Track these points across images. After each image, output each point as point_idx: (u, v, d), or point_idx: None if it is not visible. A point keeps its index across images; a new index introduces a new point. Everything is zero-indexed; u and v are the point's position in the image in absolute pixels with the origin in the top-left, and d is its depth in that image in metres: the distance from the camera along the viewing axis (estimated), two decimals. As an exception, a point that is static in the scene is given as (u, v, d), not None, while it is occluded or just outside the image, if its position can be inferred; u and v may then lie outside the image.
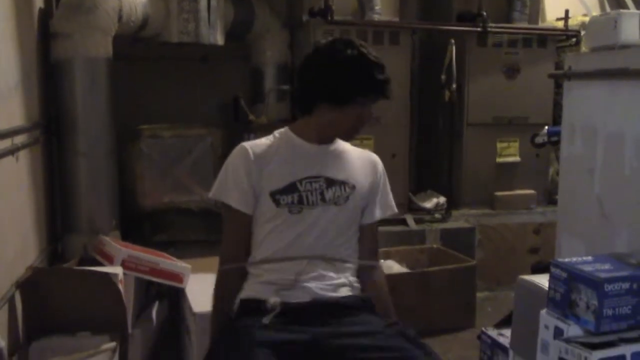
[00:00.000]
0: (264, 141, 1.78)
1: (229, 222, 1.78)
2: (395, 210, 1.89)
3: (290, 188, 1.71)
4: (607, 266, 1.40)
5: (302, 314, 1.64)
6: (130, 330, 2.45)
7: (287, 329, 1.59)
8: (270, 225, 1.72)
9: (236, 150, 1.77)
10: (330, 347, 1.57)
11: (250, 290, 1.72)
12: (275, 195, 1.70)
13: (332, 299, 1.69)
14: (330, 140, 1.79)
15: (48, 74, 2.95)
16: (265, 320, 1.61)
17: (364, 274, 1.81)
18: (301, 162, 1.74)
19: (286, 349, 1.54)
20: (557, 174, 2.19)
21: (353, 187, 1.77)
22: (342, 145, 1.83)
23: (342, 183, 1.75)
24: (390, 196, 1.88)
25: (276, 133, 1.81)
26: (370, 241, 1.86)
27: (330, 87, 1.69)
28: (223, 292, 1.76)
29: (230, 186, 1.73)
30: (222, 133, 3.42)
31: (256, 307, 1.65)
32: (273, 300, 1.65)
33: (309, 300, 1.66)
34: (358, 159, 1.83)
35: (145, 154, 3.30)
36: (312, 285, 1.68)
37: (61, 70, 2.92)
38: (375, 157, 1.88)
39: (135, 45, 3.45)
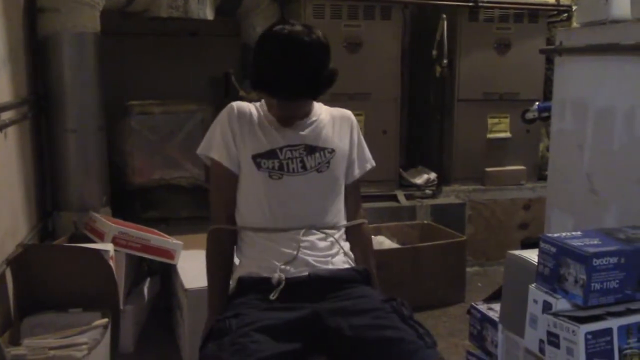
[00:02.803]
0: (251, 106, 1.81)
1: (215, 179, 1.79)
2: (373, 163, 1.89)
3: (271, 154, 1.72)
4: (595, 241, 1.41)
5: (301, 289, 1.64)
6: (121, 307, 2.46)
7: (287, 306, 1.60)
8: (252, 189, 1.73)
9: (225, 109, 1.79)
10: (328, 324, 1.58)
11: (248, 267, 1.71)
12: (256, 159, 1.72)
13: (329, 272, 1.69)
14: (287, 125, 1.77)
15: (35, 50, 2.91)
16: (272, 296, 1.62)
17: (351, 232, 1.83)
18: (280, 132, 1.75)
19: (286, 328, 1.55)
20: (547, 149, 2.19)
21: (332, 151, 1.77)
22: (316, 111, 1.82)
23: (322, 149, 1.76)
24: (367, 150, 1.88)
25: (264, 102, 1.81)
26: (354, 200, 1.87)
27: (257, 80, 1.69)
28: (216, 252, 1.76)
29: (217, 142, 1.75)
30: (212, 109, 3.39)
31: (253, 286, 1.66)
32: (277, 276, 1.65)
33: (307, 275, 1.67)
34: (332, 120, 1.83)
35: (135, 130, 3.28)
36: (310, 258, 1.69)
37: (48, 46, 2.89)
38: (348, 113, 1.88)
39: (123, 21, 3.41)
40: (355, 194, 1.88)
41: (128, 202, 3.37)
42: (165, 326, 2.80)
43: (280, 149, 1.73)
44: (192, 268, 2.49)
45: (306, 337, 1.56)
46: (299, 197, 1.72)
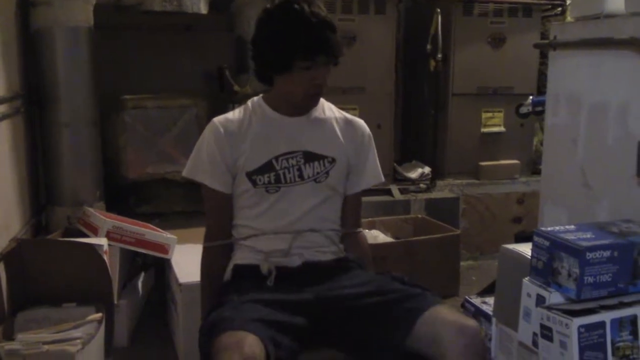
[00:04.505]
0: (236, 115, 1.73)
1: (208, 201, 1.74)
2: (382, 179, 1.85)
3: (267, 167, 1.67)
4: (588, 235, 1.42)
5: (296, 276, 1.65)
6: (116, 301, 2.46)
7: (286, 290, 1.60)
8: (250, 202, 1.70)
9: (208, 128, 1.72)
10: (331, 300, 1.58)
11: (242, 258, 1.71)
12: (251, 176, 1.67)
13: (323, 262, 1.70)
14: (303, 110, 1.73)
15: (28, 44, 2.90)
16: (269, 282, 1.62)
17: (348, 241, 1.81)
18: (276, 137, 1.69)
19: (289, 305, 1.55)
20: (541, 144, 2.20)
21: (333, 161, 1.72)
22: (325, 111, 1.77)
23: (322, 157, 1.71)
24: (377, 164, 1.83)
25: (249, 103, 1.75)
26: (354, 211, 1.84)
27: (267, 58, 1.63)
28: (210, 268, 1.75)
29: (205, 165, 1.69)
30: (206, 103, 3.39)
31: (251, 272, 1.65)
32: (266, 266, 1.65)
33: (300, 264, 1.67)
34: (340, 127, 1.77)
35: (128, 125, 3.27)
36: (303, 251, 1.69)
37: (41, 40, 2.88)
38: (360, 123, 1.81)
39: (117, 15, 3.39)
40: (356, 206, 1.84)
41: (122, 196, 3.36)
42: (159, 320, 2.80)
43: (277, 158, 1.68)
44: (186, 262, 2.49)
45: (310, 316, 1.56)
46: (295, 207, 1.69)
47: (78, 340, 1.98)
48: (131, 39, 3.67)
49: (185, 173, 1.75)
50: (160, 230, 2.75)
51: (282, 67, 1.61)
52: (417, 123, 4.15)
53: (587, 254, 1.35)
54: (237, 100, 3.36)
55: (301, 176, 1.69)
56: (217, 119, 1.73)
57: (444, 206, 3.71)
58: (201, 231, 1.79)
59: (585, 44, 1.88)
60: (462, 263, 3.43)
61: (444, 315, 1.48)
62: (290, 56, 1.58)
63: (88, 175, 3.02)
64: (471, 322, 1.48)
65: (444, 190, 3.83)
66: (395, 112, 3.86)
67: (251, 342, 1.33)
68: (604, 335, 1.31)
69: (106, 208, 3.08)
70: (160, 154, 3.35)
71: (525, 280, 1.50)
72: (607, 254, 1.37)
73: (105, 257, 2.33)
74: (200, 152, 1.71)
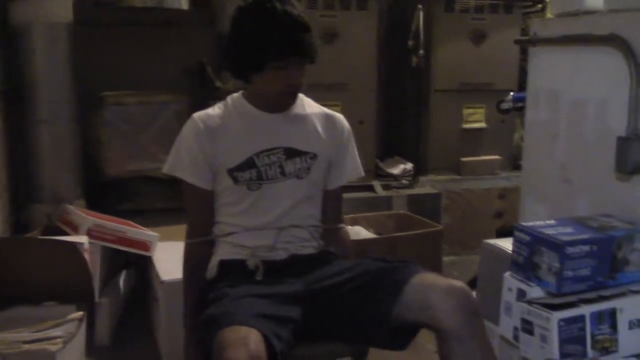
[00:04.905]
0: (216, 111, 1.72)
1: (189, 197, 1.73)
2: (362, 173, 1.85)
3: (248, 164, 1.66)
4: (568, 229, 1.44)
5: (284, 269, 1.65)
6: (97, 299, 2.44)
7: (276, 283, 1.60)
8: (231, 199, 1.69)
9: (188, 124, 1.70)
10: (320, 290, 1.59)
11: (226, 253, 1.70)
12: (232, 173, 1.66)
13: (308, 254, 1.70)
14: (282, 107, 1.72)
15: (7, 40, 2.86)
16: (258, 276, 1.61)
17: (330, 236, 1.81)
18: (257, 133, 1.68)
19: (282, 298, 1.55)
20: (522, 139, 2.21)
21: (314, 157, 1.72)
22: (304, 107, 1.76)
23: (303, 154, 1.70)
24: (357, 158, 1.83)
25: (229, 99, 1.74)
26: (336, 205, 1.84)
27: (241, 58, 1.62)
28: (192, 265, 1.74)
29: (185, 162, 1.68)
30: (187, 99, 3.36)
31: (238, 267, 1.65)
32: (253, 261, 1.65)
33: (287, 257, 1.67)
34: (321, 122, 1.76)
35: (109, 121, 3.24)
36: (288, 245, 1.69)
37: (21, 36, 2.85)
38: (340, 118, 1.81)
39: (97, 10, 3.37)
40: (337, 201, 1.84)
41: (103, 194, 3.33)
42: (142, 318, 2.78)
43: (258, 154, 1.67)
44: (168, 259, 2.48)
45: (303, 307, 1.56)
46: (277, 203, 1.69)
47: (59, 339, 1.96)
48: (112, 35, 3.64)
49: (165, 169, 1.73)
50: (142, 227, 2.73)
51: (255, 68, 1.61)
52: (400, 119, 4.16)
53: (567, 248, 1.36)
54: (218, 96, 3.34)
55: (283, 173, 1.69)
56: (197, 115, 1.71)
57: (426, 202, 3.73)
58: (183, 228, 1.78)
59: (564, 40, 1.89)
60: (444, 258, 3.44)
61: (430, 280, 1.48)
62: (263, 57, 1.58)
63: (68, 173, 3.00)
64: (459, 283, 1.48)
65: (426, 186, 3.84)
66: (378, 108, 3.86)
67: (256, 338, 1.33)
68: (583, 329, 1.33)
69: (87, 205, 3.05)
70: (141, 150, 3.32)
71: (506, 274, 1.51)
72: (586, 248, 1.38)
73: (86, 255, 2.31)
74: (180, 148, 1.70)
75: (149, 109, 3.34)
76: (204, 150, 1.66)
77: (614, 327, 1.36)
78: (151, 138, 3.32)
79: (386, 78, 4.11)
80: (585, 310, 1.33)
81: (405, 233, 3.25)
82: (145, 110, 3.33)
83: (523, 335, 1.39)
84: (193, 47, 3.82)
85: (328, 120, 1.79)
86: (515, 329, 1.44)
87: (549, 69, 1.98)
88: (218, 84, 3.53)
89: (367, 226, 3.35)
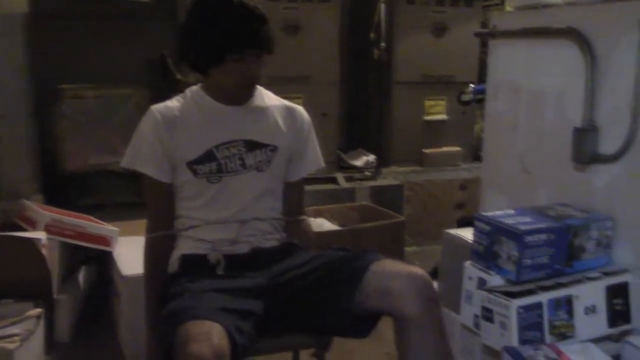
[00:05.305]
0: (175, 103, 1.70)
1: (149, 191, 1.71)
2: (323, 164, 1.85)
3: (207, 156, 1.65)
4: (527, 219, 1.46)
5: (246, 263, 1.64)
6: (55, 296, 2.40)
7: (238, 277, 1.60)
8: (192, 193, 1.67)
9: (146, 117, 1.68)
10: (282, 283, 1.60)
11: (188, 247, 1.69)
12: (192, 165, 1.64)
13: (270, 247, 1.70)
14: (242, 99, 1.71)
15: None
16: (219, 270, 1.60)
17: (292, 229, 1.82)
18: (216, 125, 1.67)
19: (244, 292, 1.55)
20: (482, 131, 2.24)
21: (275, 149, 1.71)
22: (264, 99, 1.75)
23: (263, 146, 1.70)
24: (317, 150, 1.83)
25: (188, 92, 1.73)
26: (297, 197, 1.84)
27: (197, 51, 1.61)
28: (153, 260, 1.72)
29: (144, 154, 1.66)
30: (148, 93, 3.32)
31: (200, 262, 1.64)
32: (215, 255, 1.63)
33: (249, 251, 1.67)
34: (281, 115, 1.76)
35: (67, 115, 3.18)
36: (250, 238, 1.69)
37: (-27, 27, 2.77)
38: (299, 110, 1.81)
39: (56, 1, 3.29)
40: (298, 193, 1.85)
41: (62, 188, 3.26)
42: (103, 315, 2.74)
43: (217, 147, 1.65)
44: (130, 254, 2.45)
45: (265, 301, 1.56)
46: (238, 196, 1.68)
47: (16, 337, 1.93)
48: (71, 27, 3.56)
49: (123, 163, 1.71)
50: (102, 222, 2.70)
51: (212, 61, 1.60)
52: (362, 111, 4.17)
53: (526, 237, 1.38)
54: (180, 89, 3.30)
55: (243, 165, 1.68)
56: (155, 107, 1.69)
57: (388, 193, 3.75)
58: (144, 223, 1.76)
59: (523, 33, 1.92)
60: (406, 249, 3.48)
61: (389, 267, 1.50)
62: (219, 50, 1.57)
63: (25, 168, 2.94)
64: (419, 270, 1.50)
65: (388, 177, 3.86)
66: (340, 100, 3.87)
67: (218, 333, 1.33)
68: (541, 315, 1.35)
69: (45, 201, 2.99)
70: (101, 144, 3.27)
71: (467, 263, 1.53)
72: (544, 237, 1.41)
73: (44, 251, 2.27)
74: (139, 141, 1.68)
75: (109, 102, 3.29)
76: (163, 143, 1.64)
77: (570, 313, 1.39)
78: (111, 132, 3.27)
79: (349, 70, 4.11)
80: (543, 297, 1.36)
81: (368, 224, 3.27)
82: (105, 103, 3.28)
83: (483, 323, 1.40)
84: (154, 39, 3.76)
85: (288, 112, 1.78)
86: (476, 316, 1.46)
87: (509, 62, 2.01)
88: (179, 76, 3.49)
89: (331, 218, 3.36)
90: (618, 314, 1.45)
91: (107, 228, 2.65)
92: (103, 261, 2.78)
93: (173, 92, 3.32)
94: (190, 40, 1.63)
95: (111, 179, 3.31)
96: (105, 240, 2.62)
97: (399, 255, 3.31)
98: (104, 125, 3.27)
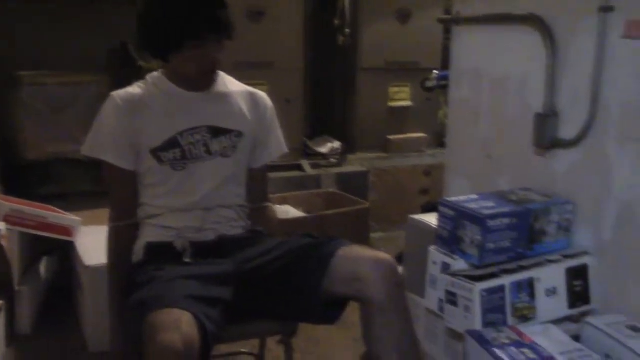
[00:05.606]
0: (136, 89, 1.67)
1: (111, 179, 1.68)
2: (286, 150, 1.85)
3: (171, 143, 1.62)
4: (490, 204, 1.48)
5: (212, 250, 1.63)
6: (16, 288, 2.35)
7: (205, 264, 1.59)
8: (156, 180, 1.65)
9: (107, 103, 1.65)
10: (249, 270, 1.59)
11: (153, 235, 1.67)
12: (156, 152, 1.62)
13: (236, 235, 1.70)
14: (204, 85, 1.69)
15: None
16: (186, 258, 1.59)
17: (257, 216, 1.81)
18: (180, 111, 1.65)
19: (212, 278, 1.54)
20: (446, 117, 2.26)
21: (240, 135, 1.70)
22: (227, 85, 1.74)
23: (228, 132, 1.68)
24: (281, 136, 1.83)
25: (149, 78, 1.70)
26: (261, 184, 1.84)
27: (156, 38, 1.58)
28: (117, 249, 1.70)
29: (106, 142, 1.63)
30: (110, 79, 3.26)
31: (166, 249, 1.62)
32: (180, 242, 1.62)
33: (215, 238, 1.66)
34: (244, 100, 1.75)
35: (26, 103, 3.10)
36: (216, 226, 1.68)
37: None
38: (262, 96, 1.80)
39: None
40: (262, 179, 1.84)
41: (22, 178, 3.19)
42: (66, 306, 2.70)
43: (181, 133, 1.63)
44: (92, 244, 2.41)
45: (233, 288, 1.56)
46: (203, 183, 1.66)
47: (-24, 330, 1.89)
48: (31, 12, 3.48)
49: (84, 151, 1.68)
50: (64, 212, 2.65)
51: (172, 47, 1.57)
52: (327, 98, 4.16)
53: (489, 221, 1.40)
54: (142, 75, 3.26)
55: (208, 151, 1.66)
56: (116, 93, 1.66)
57: (354, 180, 3.76)
58: (107, 212, 1.73)
59: (486, 20, 1.93)
60: (372, 235, 3.50)
61: (356, 253, 1.52)
62: (177, 35, 1.54)
63: (-18, 157, 2.86)
64: (384, 255, 1.52)
65: (354, 164, 3.88)
66: (305, 87, 3.86)
67: (188, 321, 1.31)
68: (503, 298, 1.37)
69: (4, 190, 2.92)
70: (62, 132, 3.20)
71: (431, 248, 1.54)
72: (506, 221, 1.43)
73: (3, 242, 2.22)
74: (100, 128, 1.65)
75: (70, 89, 3.22)
76: (125, 130, 1.62)
77: (532, 295, 1.41)
78: (72, 119, 3.21)
79: (313, 57, 4.09)
80: (506, 280, 1.38)
81: (334, 211, 3.28)
82: (66, 90, 3.22)
83: (447, 307, 1.42)
84: (115, 25, 3.68)
85: (251, 98, 1.77)
86: (440, 300, 1.48)
87: (472, 48, 2.02)
88: (142, 63, 3.43)
89: (296, 205, 3.36)
90: (578, 296, 1.49)
91: (68, 218, 2.60)
92: (65, 252, 2.74)
93: (135, 79, 3.28)
94: (149, 26, 1.60)
95: (73, 168, 3.25)
96: (67, 231, 2.58)
97: (364, 241, 3.33)
98: (64, 112, 3.20)
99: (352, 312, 1.56)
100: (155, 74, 1.71)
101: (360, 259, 1.49)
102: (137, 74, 3.32)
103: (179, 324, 1.29)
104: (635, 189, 1.42)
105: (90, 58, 3.61)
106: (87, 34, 3.63)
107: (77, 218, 2.62)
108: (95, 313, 2.30)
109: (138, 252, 1.67)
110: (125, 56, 3.56)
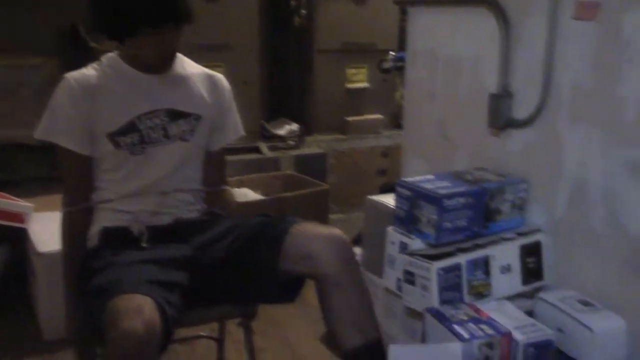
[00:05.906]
0: (91, 71, 1.62)
1: (65, 163, 1.64)
2: (243, 132, 1.83)
3: (129, 127, 1.59)
4: (446, 183, 1.50)
5: (169, 234, 1.62)
6: (-33, 277, 2.30)
7: (163, 248, 1.57)
8: (112, 165, 1.62)
9: (61, 86, 1.59)
10: (207, 253, 1.59)
11: (109, 220, 1.63)
12: (113, 137, 1.58)
13: (193, 218, 1.69)
14: (162, 68, 1.65)
15: None
16: (143, 242, 1.57)
17: (214, 199, 1.80)
18: (137, 95, 1.61)
19: (170, 262, 1.53)
20: (403, 98, 2.27)
21: (198, 118, 1.68)
22: (184, 67, 1.71)
23: (187, 115, 1.66)
24: (238, 118, 1.81)
25: (104, 59, 1.65)
26: (219, 167, 1.83)
27: (111, 24, 1.53)
28: (71, 234, 1.66)
29: (60, 125, 1.58)
30: (61, 62, 3.18)
31: (122, 234, 1.59)
32: (137, 226, 1.60)
33: (171, 222, 1.64)
34: (202, 83, 1.73)
35: (-29, 87, 3.02)
36: (172, 210, 1.66)
37: None
38: (220, 78, 1.78)
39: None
40: (221, 161, 1.83)
41: (-30, 164, 3.11)
42: (20, 294, 2.64)
43: (139, 117, 1.60)
44: (45, 230, 2.37)
45: (191, 271, 1.55)
46: (161, 167, 1.64)
47: None
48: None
49: (37, 135, 1.62)
50: (15, 198, 2.58)
51: (127, 33, 1.52)
52: (284, 80, 4.14)
53: (444, 201, 1.42)
54: (95, 57, 3.18)
55: (167, 135, 1.64)
56: (71, 75, 1.61)
57: (312, 162, 3.76)
58: (59, 197, 1.69)
59: (441, 1, 1.94)
60: (331, 216, 3.51)
61: (308, 230, 1.54)
62: (132, 22, 1.49)
63: None
64: (336, 231, 1.54)
65: (312, 146, 3.88)
66: (261, 69, 3.83)
67: (149, 306, 1.30)
68: (460, 276, 1.40)
69: (-48, 177, 2.84)
70: (11, 117, 3.12)
71: (389, 228, 1.56)
72: (462, 200, 1.45)
73: (-48, 230, 2.16)
74: (54, 110, 1.60)
75: (18, 73, 3.15)
76: (80, 113, 1.57)
77: (487, 272, 1.44)
78: (22, 103, 3.13)
79: (270, 38, 4.06)
80: (462, 259, 1.40)
81: (293, 193, 3.28)
82: (14, 74, 3.14)
83: (405, 286, 1.44)
84: (64, 5, 3.59)
85: (210, 80, 1.75)
86: (399, 280, 1.49)
87: (427, 29, 2.03)
88: (93, 44, 3.35)
89: (254, 188, 3.34)
90: (531, 272, 1.52)
91: (20, 204, 2.54)
92: (18, 239, 2.68)
93: (87, 61, 3.20)
94: (103, 8, 1.54)
95: (24, 153, 3.18)
96: (19, 217, 2.52)
97: (323, 222, 3.33)
98: (13, 96, 3.12)
99: (311, 293, 1.57)
100: (110, 54, 1.66)
101: (312, 236, 1.50)
102: (88, 56, 3.26)
103: (140, 310, 1.28)
104: (585, 169, 1.46)
105: (38, 40, 3.51)
106: (35, 14, 3.52)
107: (28, 204, 2.56)
108: (49, 300, 2.25)
109: (93, 237, 1.64)
110: (74, 37, 3.47)
